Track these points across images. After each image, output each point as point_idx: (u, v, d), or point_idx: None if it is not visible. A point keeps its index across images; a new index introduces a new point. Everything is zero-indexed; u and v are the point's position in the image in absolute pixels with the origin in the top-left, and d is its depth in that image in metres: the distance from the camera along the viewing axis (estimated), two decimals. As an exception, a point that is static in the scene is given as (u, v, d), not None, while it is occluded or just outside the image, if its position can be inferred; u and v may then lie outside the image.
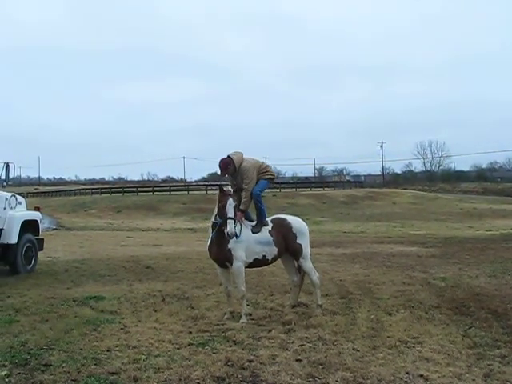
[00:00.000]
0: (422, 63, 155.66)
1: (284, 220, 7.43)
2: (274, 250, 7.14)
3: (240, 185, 7.15)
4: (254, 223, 7.19)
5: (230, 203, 6.70)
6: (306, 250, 7.38)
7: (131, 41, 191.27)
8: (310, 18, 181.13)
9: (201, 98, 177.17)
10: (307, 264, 7.41)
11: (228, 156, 7.16)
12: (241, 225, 6.92)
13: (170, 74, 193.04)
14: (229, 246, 6.82)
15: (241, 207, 7.01)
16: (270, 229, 7.16)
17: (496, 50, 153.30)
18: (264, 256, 7.11)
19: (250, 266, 7.18)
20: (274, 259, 7.32)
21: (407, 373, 4.82)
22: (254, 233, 7.04)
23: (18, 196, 11.77)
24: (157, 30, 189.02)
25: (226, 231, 6.58)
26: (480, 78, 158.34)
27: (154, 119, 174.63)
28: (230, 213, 6.64)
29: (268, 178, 7.43)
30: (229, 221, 6.60)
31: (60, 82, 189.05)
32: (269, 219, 7.32)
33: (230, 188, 7.04)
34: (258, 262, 7.20)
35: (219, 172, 7.35)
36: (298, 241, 7.30)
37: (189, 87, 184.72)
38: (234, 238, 6.72)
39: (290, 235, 7.27)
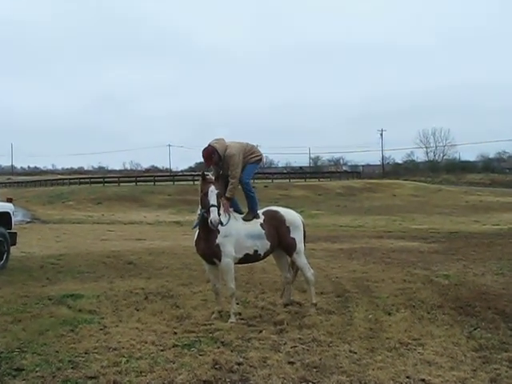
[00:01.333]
0: (426, 44, 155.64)
1: (277, 212, 7.41)
2: (267, 245, 7.12)
3: (227, 173, 7.10)
4: (243, 215, 7.17)
5: (212, 190, 6.67)
6: (300, 245, 7.37)
7: (112, 29, 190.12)
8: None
9: (189, 84, 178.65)
10: (301, 260, 7.40)
11: (209, 145, 7.09)
12: (229, 215, 6.90)
13: (154, 59, 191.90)
14: (217, 240, 6.79)
15: (226, 194, 6.98)
16: (262, 221, 7.14)
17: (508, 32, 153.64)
18: (256, 251, 7.09)
19: (240, 261, 7.16)
20: (267, 254, 7.31)
21: (408, 377, 4.83)
22: (245, 220, 7.02)
23: (-12, 186, 11.67)
24: (138, 15, 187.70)
25: (209, 219, 6.55)
26: (489, 61, 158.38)
27: (138, 105, 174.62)
28: (213, 200, 6.61)
29: (255, 160, 7.41)
30: (211, 208, 6.56)
31: (36, 67, 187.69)
32: (260, 211, 7.30)
33: (211, 176, 6.99)
34: (250, 258, 7.19)
35: (204, 163, 7.27)
36: (291, 235, 7.29)
37: (174, 73, 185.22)
38: (221, 230, 6.70)
39: (282, 229, 7.25)
